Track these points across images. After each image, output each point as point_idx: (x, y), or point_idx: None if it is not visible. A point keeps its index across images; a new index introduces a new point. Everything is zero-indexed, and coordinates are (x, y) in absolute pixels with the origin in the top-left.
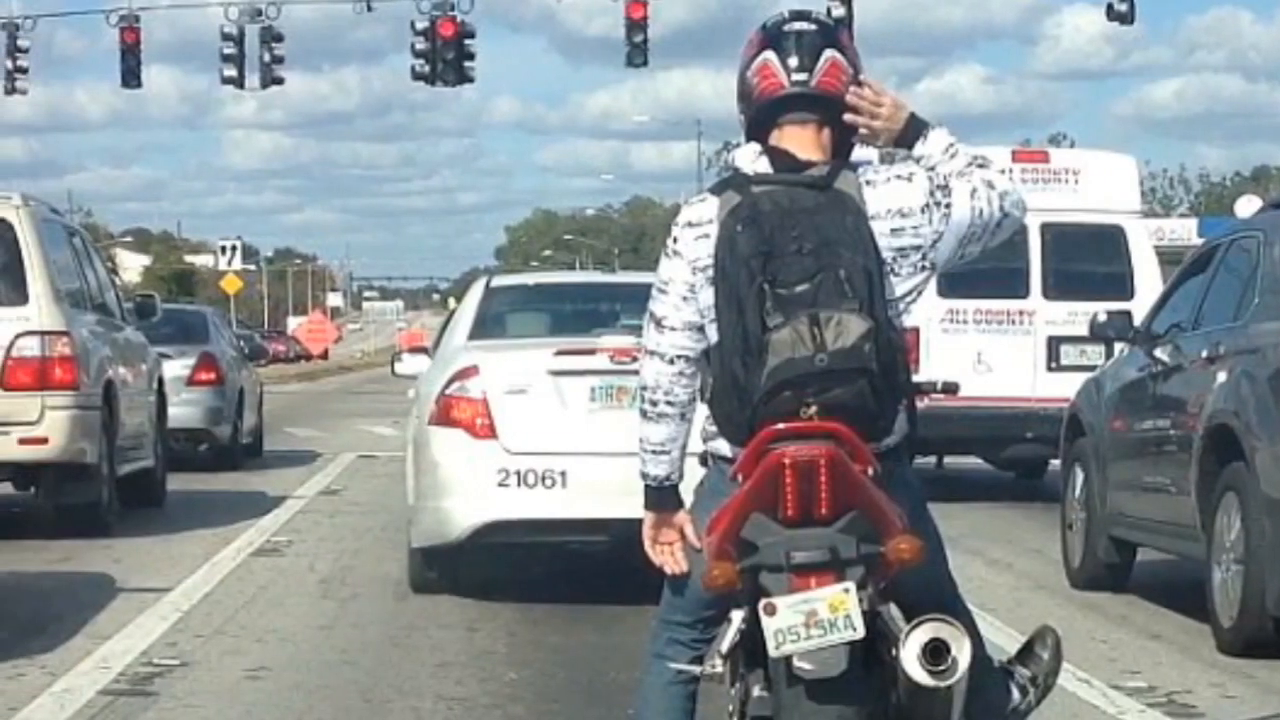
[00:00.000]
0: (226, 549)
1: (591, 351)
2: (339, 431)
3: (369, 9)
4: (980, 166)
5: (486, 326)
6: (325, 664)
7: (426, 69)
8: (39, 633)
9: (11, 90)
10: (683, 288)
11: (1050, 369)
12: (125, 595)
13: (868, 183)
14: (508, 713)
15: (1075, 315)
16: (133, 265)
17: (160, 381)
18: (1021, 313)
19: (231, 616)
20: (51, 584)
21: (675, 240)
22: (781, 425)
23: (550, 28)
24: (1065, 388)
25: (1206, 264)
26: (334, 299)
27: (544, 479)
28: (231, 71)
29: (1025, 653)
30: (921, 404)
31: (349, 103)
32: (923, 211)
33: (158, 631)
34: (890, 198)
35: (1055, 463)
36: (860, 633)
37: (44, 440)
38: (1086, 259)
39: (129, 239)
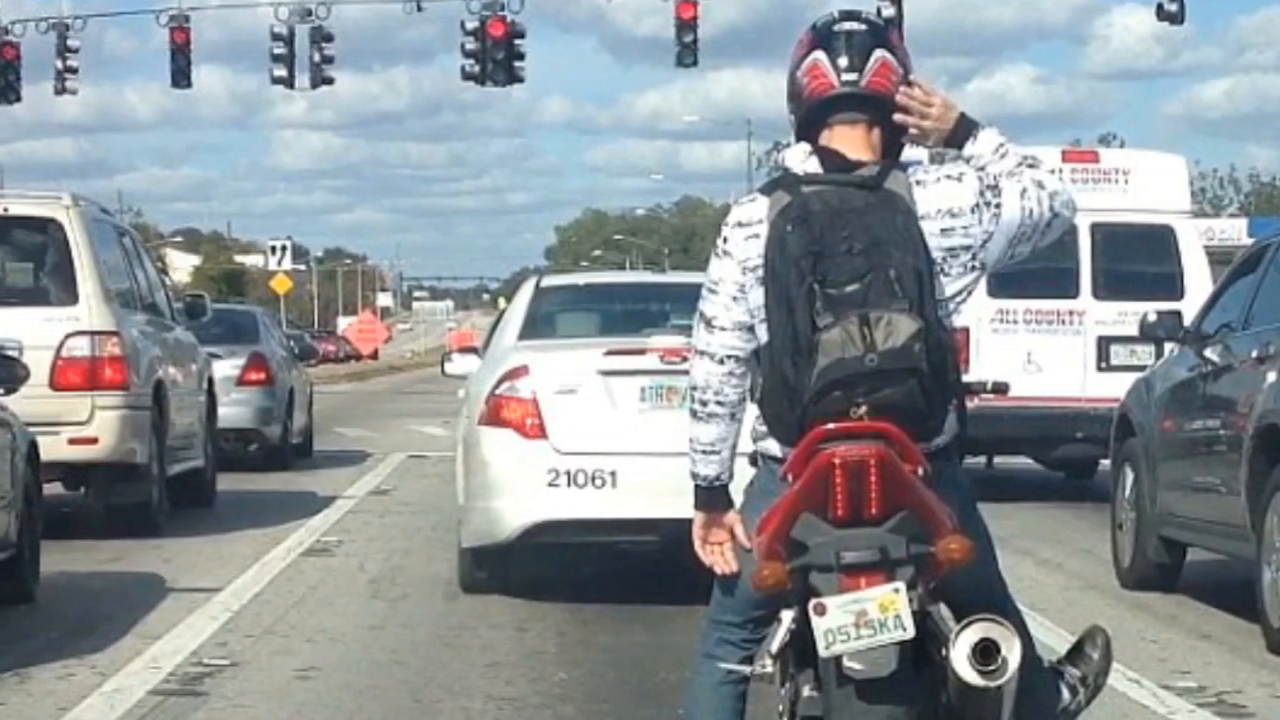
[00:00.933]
0: (276, 549)
1: (641, 351)
2: (389, 431)
3: (419, 9)
4: (1030, 166)
5: (536, 326)
6: (375, 664)
7: (476, 69)
8: (89, 633)
9: (62, 90)
10: (733, 288)
11: (1100, 369)
12: (175, 595)
13: (918, 183)
14: (558, 713)
15: (1125, 315)
16: (183, 265)
17: (210, 381)
18: (1071, 313)
19: (281, 616)
20: (101, 584)
21: (725, 240)
22: (831, 425)
23: (600, 27)
24: (1115, 388)
25: (1257, 264)
26: (384, 299)
27: (594, 479)
28: (281, 71)
29: (1075, 652)
30: (971, 404)
31: (399, 103)
32: (973, 211)
33: (208, 631)
34: (940, 198)
35: (1105, 463)
36: (910, 633)
37: (94, 440)
38: (1136, 259)
39: (179, 239)
